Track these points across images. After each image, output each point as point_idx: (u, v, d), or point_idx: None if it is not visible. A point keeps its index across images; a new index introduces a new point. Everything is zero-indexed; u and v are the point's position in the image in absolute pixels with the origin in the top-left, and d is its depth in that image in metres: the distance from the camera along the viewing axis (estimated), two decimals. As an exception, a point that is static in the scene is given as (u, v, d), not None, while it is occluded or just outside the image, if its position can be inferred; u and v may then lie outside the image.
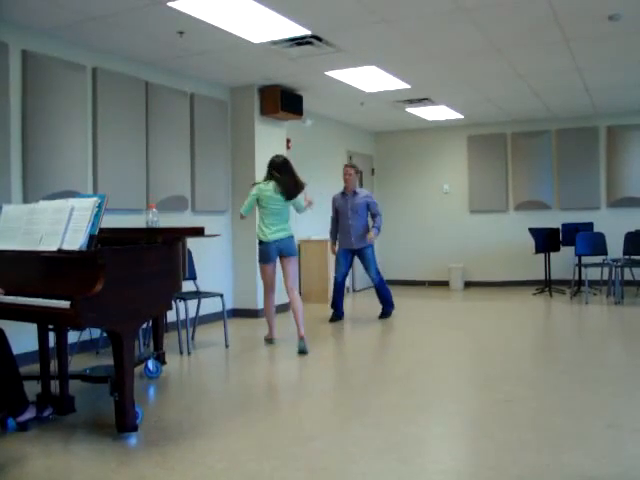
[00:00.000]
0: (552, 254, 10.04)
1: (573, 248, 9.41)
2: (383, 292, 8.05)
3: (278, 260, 6.37)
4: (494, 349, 6.14)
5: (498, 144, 11.33)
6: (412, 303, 9.75)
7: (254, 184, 6.47)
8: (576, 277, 9.54)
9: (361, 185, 11.60)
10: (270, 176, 6.28)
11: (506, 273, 11.16)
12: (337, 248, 8.01)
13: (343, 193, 8.00)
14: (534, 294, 9.97)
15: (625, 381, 4.81)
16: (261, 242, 6.30)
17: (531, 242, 9.88)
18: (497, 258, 11.22)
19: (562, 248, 9.97)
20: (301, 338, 6.07)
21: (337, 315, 8.01)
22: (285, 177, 6.22)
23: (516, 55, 6.86)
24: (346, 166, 7.99)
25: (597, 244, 9.31)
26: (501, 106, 9.82)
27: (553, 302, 9.22)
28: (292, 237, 6.37)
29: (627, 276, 9.41)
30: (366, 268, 7.93)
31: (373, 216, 7.83)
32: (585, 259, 9.38)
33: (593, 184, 10.70)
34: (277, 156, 6.47)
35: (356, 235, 7.78)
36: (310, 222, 9.94)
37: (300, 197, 6.35)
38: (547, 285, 9.95)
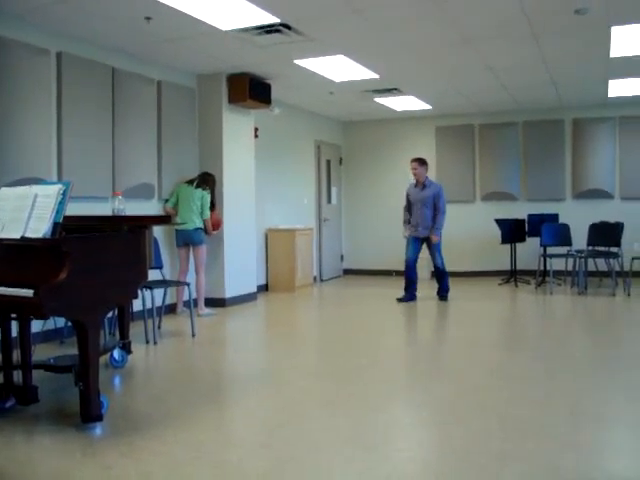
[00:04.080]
0: (518, 245, 10.15)
1: (538, 239, 9.52)
2: (442, 278, 8.61)
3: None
4: (460, 339, 6.19)
5: (466, 135, 11.41)
6: (378, 293, 9.79)
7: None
8: (541, 267, 9.67)
9: (329, 175, 11.66)
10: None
11: (472, 263, 11.26)
12: (408, 234, 8.60)
13: (415, 185, 8.52)
14: (500, 284, 10.08)
15: (588, 370, 4.90)
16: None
17: (497, 232, 9.99)
18: (463, 248, 11.29)
19: (528, 239, 10.10)
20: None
21: (408, 297, 8.53)
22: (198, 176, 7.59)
23: (484, 47, 6.90)
24: (411, 161, 8.53)
25: (562, 235, 9.43)
26: (469, 97, 9.88)
27: (518, 292, 9.33)
28: (198, 229, 7.33)
29: (591, 267, 9.57)
30: (431, 255, 8.56)
31: (436, 210, 8.26)
32: (550, 250, 9.51)
33: (559, 176, 10.85)
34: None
35: (423, 225, 8.36)
36: (277, 211, 9.94)
37: (206, 198, 7.39)
38: (513, 275, 10.06)
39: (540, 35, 6.43)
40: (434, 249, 8.44)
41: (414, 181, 8.57)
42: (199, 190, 7.33)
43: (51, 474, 2.95)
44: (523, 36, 6.46)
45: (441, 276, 8.60)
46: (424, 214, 8.31)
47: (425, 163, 8.48)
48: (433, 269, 8.74)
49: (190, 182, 7.44)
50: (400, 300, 8.46)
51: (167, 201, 7.49)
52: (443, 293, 8.61)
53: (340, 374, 4.87)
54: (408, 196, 8.60)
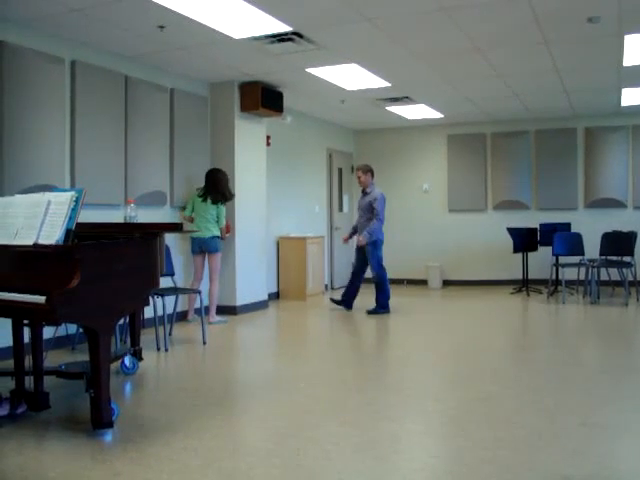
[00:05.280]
0: (530, 254, 10.12)
1: (551, 248, 9.48)
2: (378, 290, 8.28)
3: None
4: (471, 348, 6.17)
5: (478, 144, 11.39)
6: (390, 301, 9.76)
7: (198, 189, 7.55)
8: (553, 277, 9.62)
9: (341, 183, 11.66)
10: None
11: (484, 272, 11.22)
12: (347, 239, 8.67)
13: (362, 192, 8.48)
14: (512, 293, 10.04)
15: (599, 380, 4.87)
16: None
17: (509, 242, 9.95)
18: (475, 257, 11.28)
19: (540, 248, 10.05)
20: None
21: (340, 301, 8.55)
22: (211, 185, 7.39)
23: (496, 55, 6.90)
24: (356, 169, 8.55)
25: (574, 244, 9.39)
26: (481, 106, 9.87)
27: (530, 301, 9.29)
28: (214, 236, 7.33)
29: (603, 276, 9.51)
30: (368, 261, 8.26)
31: (373, 216, 8.15)
32: (562, 259, 9.47)
33: (571, 185, 10.80)
34: (214, 168, 7.60)
35: (360, 232, 8.28)
36: (288, 219, 9.95)
37: (222, 208, 7.40)
38: (524, 284, 10.02)
39: (552, 43, 6.42)
40: (368, 257, 8.19)
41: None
42: (214, 206, 7.31)
43: (61, 480, 2.96)
44: (535, 44, 6.45)
45: (376, 287, 8.27)
46: (361, 219, 8.30)
47: (369, 170, 8.40)
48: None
49: (204, 197, 7.32)
50: (332, 300, 8.60)
51: (184, 209, 7.54)
52: (376, 308, 8.22)
53: (350, 383, 4.86)
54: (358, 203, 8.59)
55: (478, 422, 3.80)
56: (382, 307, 8.24)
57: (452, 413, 4.06)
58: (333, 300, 8.62)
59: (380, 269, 8.20)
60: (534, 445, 3.36)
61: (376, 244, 8.15)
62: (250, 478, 3.00)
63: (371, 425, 3.77)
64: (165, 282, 5.99)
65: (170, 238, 7.27)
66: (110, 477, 2.97)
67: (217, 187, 7.36)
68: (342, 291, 8.67)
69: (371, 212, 8.14)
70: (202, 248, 7.39)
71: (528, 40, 6.31)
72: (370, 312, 8.19)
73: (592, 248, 9.23)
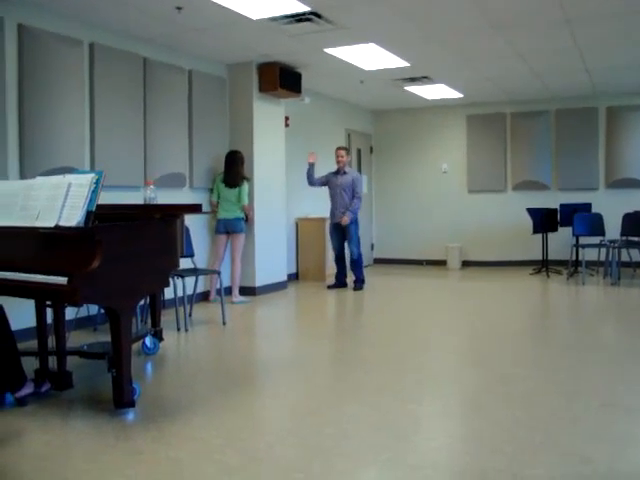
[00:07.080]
0: (550, 234, 10.04)
1: (571, 229, 9.41)
2: (357, 266, 8.71)
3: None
4: (490, 329, 6.16)
5: (497, 124, 11.28)
6: (409, 282, 9.78)
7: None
8: (573, 258, 9.56)
9: (360, 164, 11.64)
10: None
11: (504, 253, 11.17)
12: (329, 223, 8.87)
13: (336, 172, 8.72)
14: (531, 274, 9.99)
15: (619, 361, 4.84)
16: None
17: (529, 222, 9.88)
18: (495, 238, 11.22)
19: (560, 228, 9.97)
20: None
21: (337, 284, 8.85)
22: (226, 169, 7.60)
23: (516, 34, 6.81)
24: (338, 149, 8.73)
25: (595, 225, 9.32)
26: (500, 85, 9.77)
27: (550, 282, 9.24)
28: (239, 218, 7.58)
29: (624, 257, 9.44)
30: (348, 241, 8.68)
31: (353, 196, 8.52)
32: (583, 240, 9.39)
33: (592, 165, 10.68)
34: (229, 150, 7.77)
35: (341, 210, 8.57)
36: (307, 200, 9.94)
37: (244, 188, 7.55)
38: (544, 265, 9.96)
39: (573, 21, 6.32)
40: (350, 237, 8.58)
41: (335, 168, 8.74)
42: (236, 188, 7.52)
43: (84, 458, 3.01)
44: (555, 22, 6.36)
45: (354, 266, 8.70)
46: (343, 199, 8.55)
47: (349, 153, 8.97)
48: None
49: (227, 183, 7.54)
50: (330, 287, 8.81)
51: (212, 192, 7.72)
52: (358, 284, 8.70)
53: (369, 363, 4.87)
54: (327, 182, 8.75)
55: (497, 403, 3.81)
56: (363, 281, 8.73)
57: (471, 394, 4.07)
58: (332, 286, 8.83)
59: (360, 247, 8.67)
60: (553, 426, 3.36)
61: (357, 222, 8.60)
62: (269, 457, 3.03)
63: (390, 405, 3.79)
64: (185, 263, 6.03)
65: (196, 220, 7.33)
66: (132, 455, 3.02)
67: (230, 170, 7.58)
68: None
69: (351, 190, 8.53)
70: (227, 229, 7.60)
71: (549, 18, 6.22)
72: (356, 288, 8.63)
73: (613, 229, 9.16)
